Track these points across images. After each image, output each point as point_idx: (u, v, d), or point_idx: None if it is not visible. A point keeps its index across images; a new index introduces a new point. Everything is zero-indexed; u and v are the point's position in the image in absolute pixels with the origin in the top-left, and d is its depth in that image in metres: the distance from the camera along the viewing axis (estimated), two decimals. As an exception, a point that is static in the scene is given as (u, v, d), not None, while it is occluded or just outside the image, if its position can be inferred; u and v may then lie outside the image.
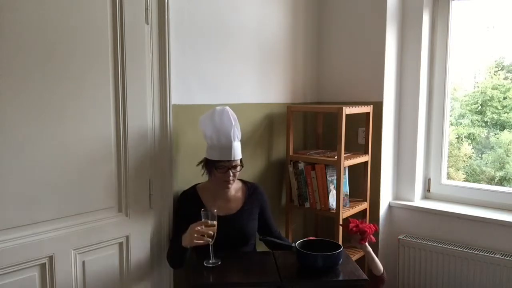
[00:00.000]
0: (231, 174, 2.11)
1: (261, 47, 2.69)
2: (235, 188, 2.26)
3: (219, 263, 1.96)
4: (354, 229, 2.27)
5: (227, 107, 2.13)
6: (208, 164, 2.14)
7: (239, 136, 2.16)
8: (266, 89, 2.76)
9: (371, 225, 2.31)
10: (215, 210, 1.97)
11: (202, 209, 1.96)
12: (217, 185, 2.17)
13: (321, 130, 3.08)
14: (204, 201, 2.18)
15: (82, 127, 1.88)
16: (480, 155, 3.15)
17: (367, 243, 2.29)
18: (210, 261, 1.96)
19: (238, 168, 2.15)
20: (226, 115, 2.09)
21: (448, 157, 3.09)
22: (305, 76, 3.06)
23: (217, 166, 2.09)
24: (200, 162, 2.20)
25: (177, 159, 2.25)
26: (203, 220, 1.94)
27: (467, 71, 3.15)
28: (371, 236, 2.29)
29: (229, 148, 2.07)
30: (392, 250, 3.03)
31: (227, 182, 2.13)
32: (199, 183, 2.27)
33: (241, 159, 2.17)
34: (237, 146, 2.12)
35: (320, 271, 1.94)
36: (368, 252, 2.31)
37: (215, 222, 1.95)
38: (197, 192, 2.22)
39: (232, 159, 2.09)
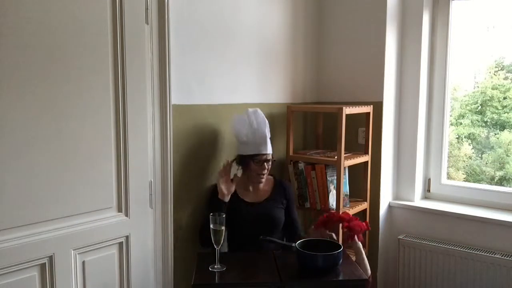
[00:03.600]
0: (266, 167, 2.30)
1: (261, 47, 2.69)
2: (264, 182, 2.40)
3: (224, 269, 1.96)
4: (345, 227, 2.24)
5: (258, 109, 2.37)
6: (244, 160, 2.32)
7: (269, 135, 2.34)
8: (266, 89, 2.76)
9: (363, 223, 2.28)
10: (224, 215, 1.99)
11: (211, 214, 1.98)
12: (251, 179, 2.32)
13: (321, 130, 3.08)
14: (237, 190, 2.34)
15: (82, 127, 1.88)
16: (480, 155, 3.15)
17: (357, 241, 2.25)
18: (216, 266, 1.96)
19: (271, 162, 2.34)
20: (261, 116, 2.34)
21: (448, 157, 3.09)
22: (305, 76, 3.06)
23: (254, 159, 2.29)
24: (233, 160, 2.37)
25: (177, 159, 2.25)
26: (211, 224, 1.96)
27: (467, 71, 3.15)
28: (360, 235, 2.25)
29: (265, 143, 2.30)
30: (392, 250, 3.03)
31: (261, 175, 2.31)
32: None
33: (272, 155, 2.35)
34: (269, 142, 2.33)
35: (320, 271, 1.94)
36: (359, 250, 2.26)
37: (223, 227, 1.96)
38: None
39: (268, 152, 2.30)
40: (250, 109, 2.35)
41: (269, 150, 2.31)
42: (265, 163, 2.30)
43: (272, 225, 2.35)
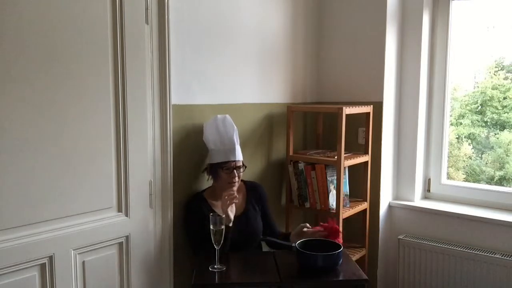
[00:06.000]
0: (236, 174, 2.20)
1: (261, 47, 2.69)
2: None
3: (224, 269, 1.96)
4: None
5: (228, 115, 2.28)
6: (213, 168, 2.23)
7: (239, 141, 2.27)
8: (266, 89, 2.76)
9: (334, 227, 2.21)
10: (224, 215, 1.99)
11: (211, 214, 1.98)
12: (223, 188, 2.22)
13: (321, 130, 3.08)
14: (212, 206, 2.24)
15: (82, 127, 1.88)
16: (480, 155, 3.15)
17: None
18: (216, 266, 1.96)
19: (242, 169, 2.24)
20: (229, 121, 2.26)
21: (448, 157, 3.09)
22: (305, 76, 3.06)
23: (223, 167, 2.19)
24: (204, 170, 2.30)
25: (177, 159, 2.25)
26: (211, 224, 1.96)
27: (467, 71, 3.15)
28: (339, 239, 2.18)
29: (233, 149, 2.21)
30: (392, 250, 3.03)
31: (232, 183, 2.20)
32: (203, 190, 2.32)
33: (243, 162, 2.27)
34: (239, 149, 2.24)
35: (320, 271, 1.94)
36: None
37: (222, 227, 1.96)
38: (205, 197, 2.27)
39: (237, 159, 2.21)
40: (219, 116, 2.27)
41: (238, 157, 2.21)
42: (235, 171, 2.20)
43: (253, 239, 2.29)
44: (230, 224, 2.10)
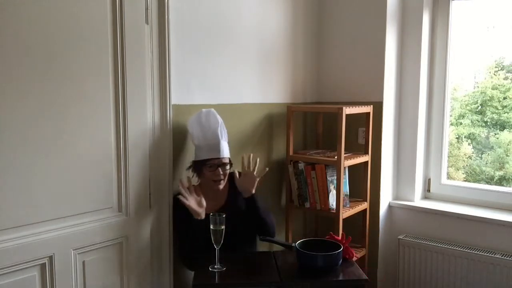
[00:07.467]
0: (221, 172, 2.13)
1: (261, 47, 2.69)
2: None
3: (224, 269, 1.96)
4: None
5: (213, 109, 2.19)
6: (197, 166, 2.16)
7: (226, 137, 2.19)
8: (266, 89, 2.76)
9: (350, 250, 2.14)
10: (224, 215, 1.96)
11: (211, 214, 1.96)
12: (208, 186, 2.18)
13: (321, 130, 3.08)
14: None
15: (82, 127, 1.88)
16: (480, 155, 3.15)
17: None
18: (216, 266, 1.96)
19: (227, 166, 2.16)
20: (213, 115, 2.16)
21: (448, 157, 3.09)
22: (305, 76, 3.06)
23: (207, 164, 2.12)
24: (189, 167, 2.21)
25: (176, 159, 2.25)
26: (211, 224, 1.94)
27: (467, 71, 3.15)
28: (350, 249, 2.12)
29: (217, 145, 2.11)
30: (392, 250, 3.03)
31: (217, 181, 2.14)
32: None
33: (230, 159, 2.19)
34: (224, 145, 2.15)
35: (320, 271, 1.94)
36: None
37: (223, 227, 1.95)
38: None
39: (221, 156, 2.12)
40: (204, 110, 2.17)
41: (222, 154, 2.10)
42: (219, 168, 2.11)
43: (240, 233, 2.20)
44: (203, 217, 2.06)
